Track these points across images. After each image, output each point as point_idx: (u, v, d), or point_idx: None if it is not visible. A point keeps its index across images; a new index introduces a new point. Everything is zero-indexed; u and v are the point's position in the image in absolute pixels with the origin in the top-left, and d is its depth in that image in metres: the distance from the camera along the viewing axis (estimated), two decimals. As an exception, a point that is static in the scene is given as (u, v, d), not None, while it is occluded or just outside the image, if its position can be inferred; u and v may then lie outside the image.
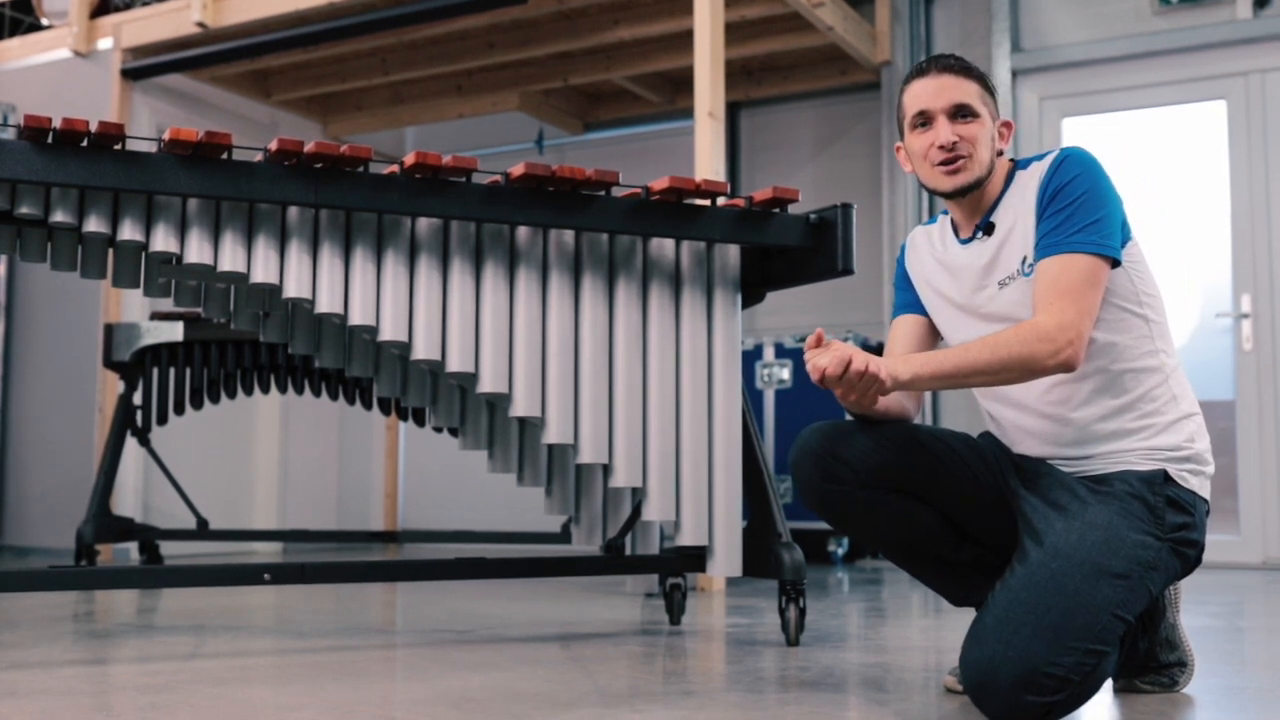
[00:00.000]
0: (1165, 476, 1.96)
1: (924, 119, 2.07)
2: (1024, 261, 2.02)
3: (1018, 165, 2.11)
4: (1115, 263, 1.97)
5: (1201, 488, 1.99)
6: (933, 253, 2.19)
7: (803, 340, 5.55)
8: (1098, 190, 1.97)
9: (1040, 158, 2.07)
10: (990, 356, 1.90)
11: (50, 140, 2.22)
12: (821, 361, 1.87)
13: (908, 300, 2.25)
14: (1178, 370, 2.04)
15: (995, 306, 2.05)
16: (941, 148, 2.04)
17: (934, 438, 2.08)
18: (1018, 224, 2.04)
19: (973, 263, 2.10)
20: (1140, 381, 2.00)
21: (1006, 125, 2.12)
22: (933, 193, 2.11)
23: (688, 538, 2.63)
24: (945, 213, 2.21)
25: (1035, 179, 2.03)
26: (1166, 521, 1.92)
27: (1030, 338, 1.89)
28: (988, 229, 2.08)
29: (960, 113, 2.05)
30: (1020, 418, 2.08)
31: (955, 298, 2.13)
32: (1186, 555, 1.96)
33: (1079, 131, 5.54)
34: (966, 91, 2.05)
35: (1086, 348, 1.94)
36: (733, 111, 6.32)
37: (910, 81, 2.10)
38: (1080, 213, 1.96)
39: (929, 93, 2.06)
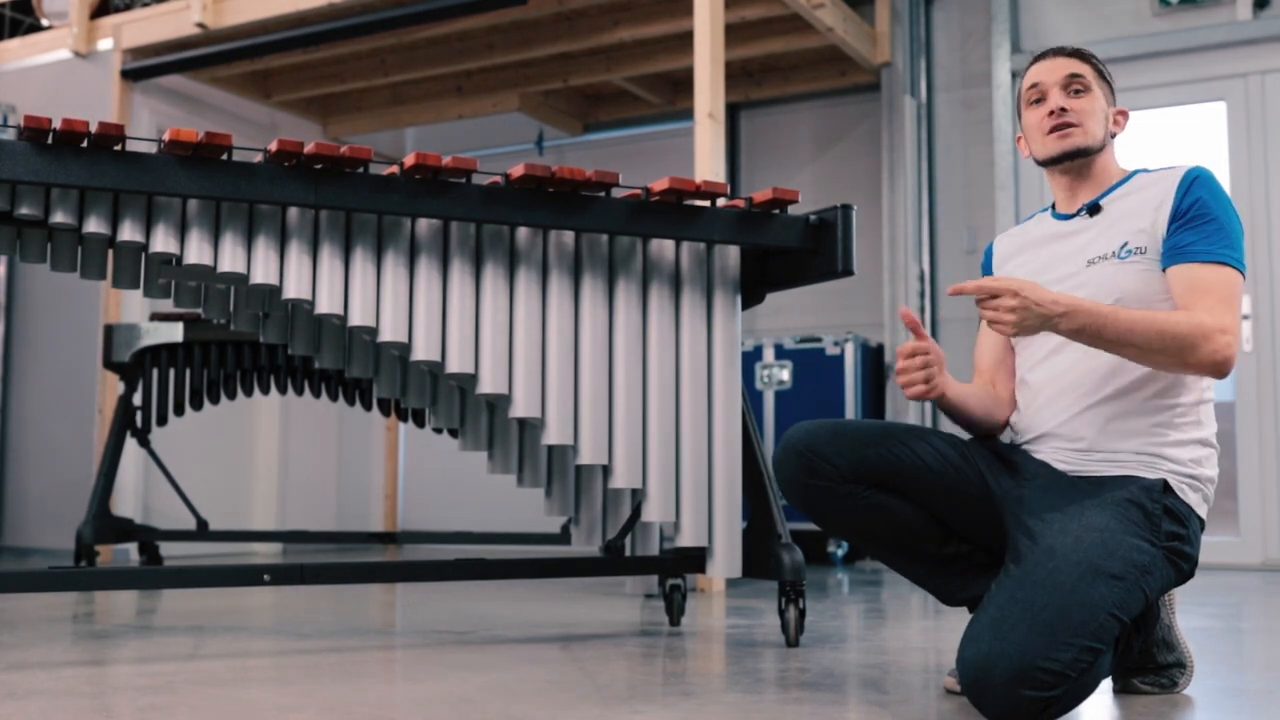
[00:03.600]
0: (1165, 486, 1.97)
1: (1039, 93, 2.15)
2: (1123, 246, 2.05)
3: (1140, 170, 2.16)
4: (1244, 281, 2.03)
5: (1198, 505, 2.01)
6: (1025, 238, 2.25)
7: (803, 341, 5.55)
8: (1233, 213, 2.04)
9: (1168, 168, 2.11)
10: (1156, 335, 1.91)
11: (50, 141, 2.22)
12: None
13: None
14: (1210, 403, 2.08)
15: (1074, 282, 2.08)
16: (1051, 114, 2.12)
17: (917, 436, 2.10)
18: (1131, 216, 2.07)
19: (1066, 234, 2.15)
20: (1177, 393, 2.03)
21: (1122, 113, 2.19)
22: (1044, 164, 2.17)
23: (687, 538, 2.63)
24: (1044, 210, 2.27)
25: (1165, 184, 2.06)
26: (1162, 529, 1.93)
27: (1197, 332, 1.91)
28: (1093, 209, 2.13)
29: (1072, 84, 2.12)
30: (1059, 383, 2.08)
31: (1039, 272, 2.15)
32: (1180, 566, 1.97)
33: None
34: (1079, 67, 2.14)
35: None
36: (733, 112, 6.32)
37: (1031, 66, 2.20)
38: (1225, 230, 2.01)
39: (1044, 69, 2.16)
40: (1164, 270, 2.02)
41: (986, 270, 2.33)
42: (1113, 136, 2.16)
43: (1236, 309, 1.97)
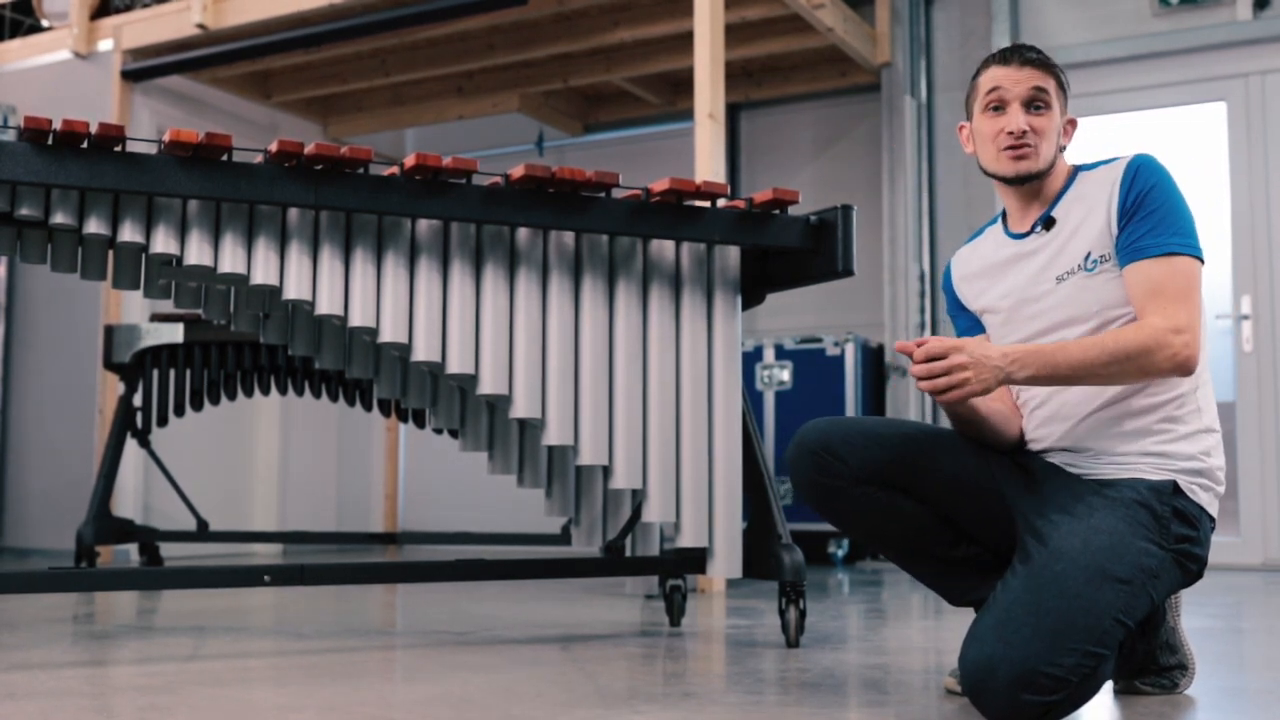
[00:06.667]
0: (1175, 488, 1.95)
1: (999, 103, 2.08)
2: (1087, 257, 2.02)
3: (1080, 168, 2.12)
4: (1202, 265, 1.99)
5: (1209, 504, 1.99)
6: (984, 260, 2.19)
7: (803, 342, 5.55)
8: (1179, 196, 2.00)
9: (1108, 162, 2.08)
10: (1109, 358, 1.88)
11: (50, 142, 2.22)
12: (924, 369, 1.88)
13: (968, 325, 2.24)
14: (1207, 385, 2.04)
15: (1051, 301, 2.05)
16: (1011, 134, 2.06)
17: (930, 437, 2.08)
18: (1086, 223, 2.03)
19: (1027, 254, 2.10)
20: (1173, 385, 1.99)
21: (1071, 123, 2.14)
22: (990, 176, 2.12)
23: (688, 539, 2.63)
24: (993, 222, 2.22)
25: (1108, 182, 2.03)
26: (1172, 532, 1.92)
27: (1151, 340, 1.89)
28: (1048, 223, 2.08)
29: (1035, 103, 2.07)
30: (1058, 398, 2.05)
31: (1008, 294, 2.12)
32: (1189, 568, 1.96)
33: (1079, 133, 5.52)
34: (1045, 81, 2.08)
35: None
36: (733, 113, 6.32)
37: (991, 65, 2.11)
38: (1171, 216, 1.97)
39: (1010, 79, 2.07)
40: (1122, 270, 1.99)
41: (948, 291, 2.28)
42: (1061, 149, 2.11)
43: (1193, 300, 1.93)
